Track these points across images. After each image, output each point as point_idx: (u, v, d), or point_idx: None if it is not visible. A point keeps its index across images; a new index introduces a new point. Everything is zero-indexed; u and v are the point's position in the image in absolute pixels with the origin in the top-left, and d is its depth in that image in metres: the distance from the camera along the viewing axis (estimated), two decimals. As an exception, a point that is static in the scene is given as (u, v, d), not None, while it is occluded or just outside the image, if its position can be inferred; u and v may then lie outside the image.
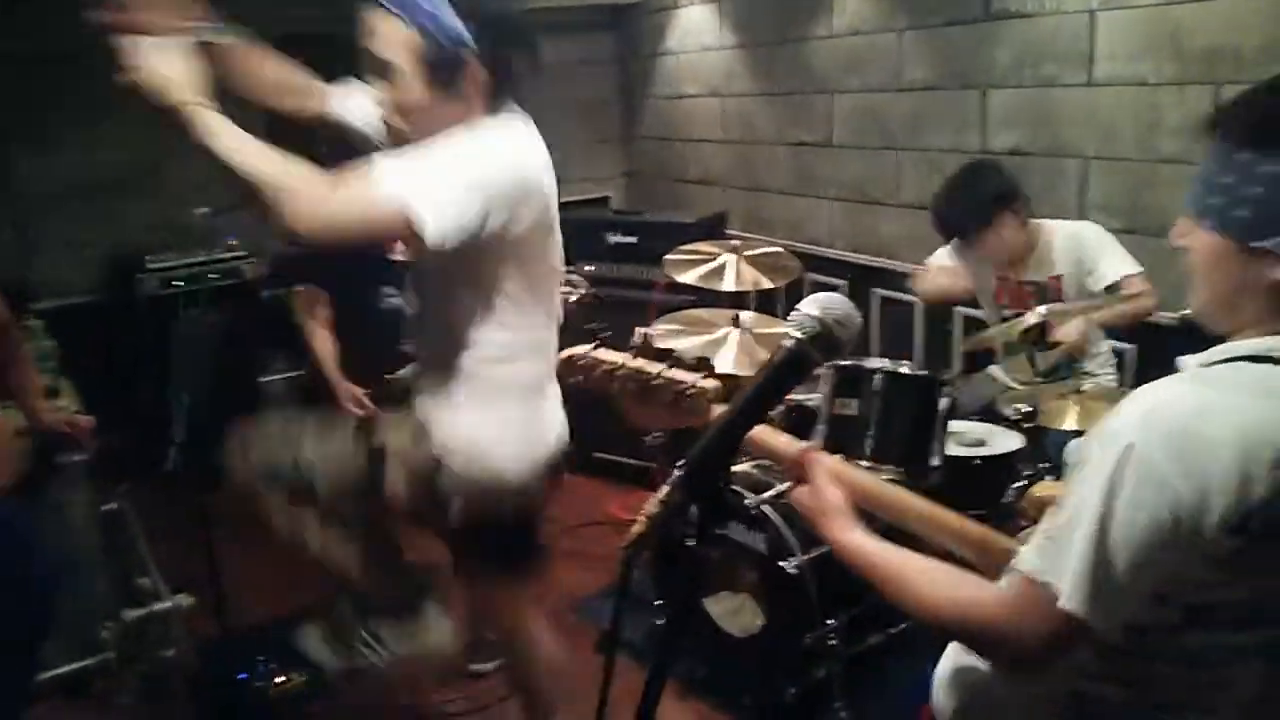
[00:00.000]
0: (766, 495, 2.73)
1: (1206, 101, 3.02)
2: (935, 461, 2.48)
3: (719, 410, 1.30)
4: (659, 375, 1.31)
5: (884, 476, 2.71)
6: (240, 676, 3.04)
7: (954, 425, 2.67)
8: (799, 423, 3.06)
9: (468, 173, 1.73)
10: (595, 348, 1.36)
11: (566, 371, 1.37)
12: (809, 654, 2.64)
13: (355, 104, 2.16)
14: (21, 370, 2.54)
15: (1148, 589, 1.02)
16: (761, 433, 1.35)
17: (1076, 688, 1.13)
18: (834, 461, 1.34)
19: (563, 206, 5.82)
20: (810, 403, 2.83)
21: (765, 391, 1.19)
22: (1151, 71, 3.19)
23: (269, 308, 4.55)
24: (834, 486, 1.30)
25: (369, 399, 3.13)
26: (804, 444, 1.37)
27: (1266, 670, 1.09)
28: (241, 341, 4.45)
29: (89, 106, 4.64)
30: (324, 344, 3.24)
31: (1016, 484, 2.67)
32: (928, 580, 1.17)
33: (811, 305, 1.17)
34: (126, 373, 4.35)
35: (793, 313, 1.18)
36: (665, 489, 1.18)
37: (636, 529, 1.21)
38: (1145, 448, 0.99)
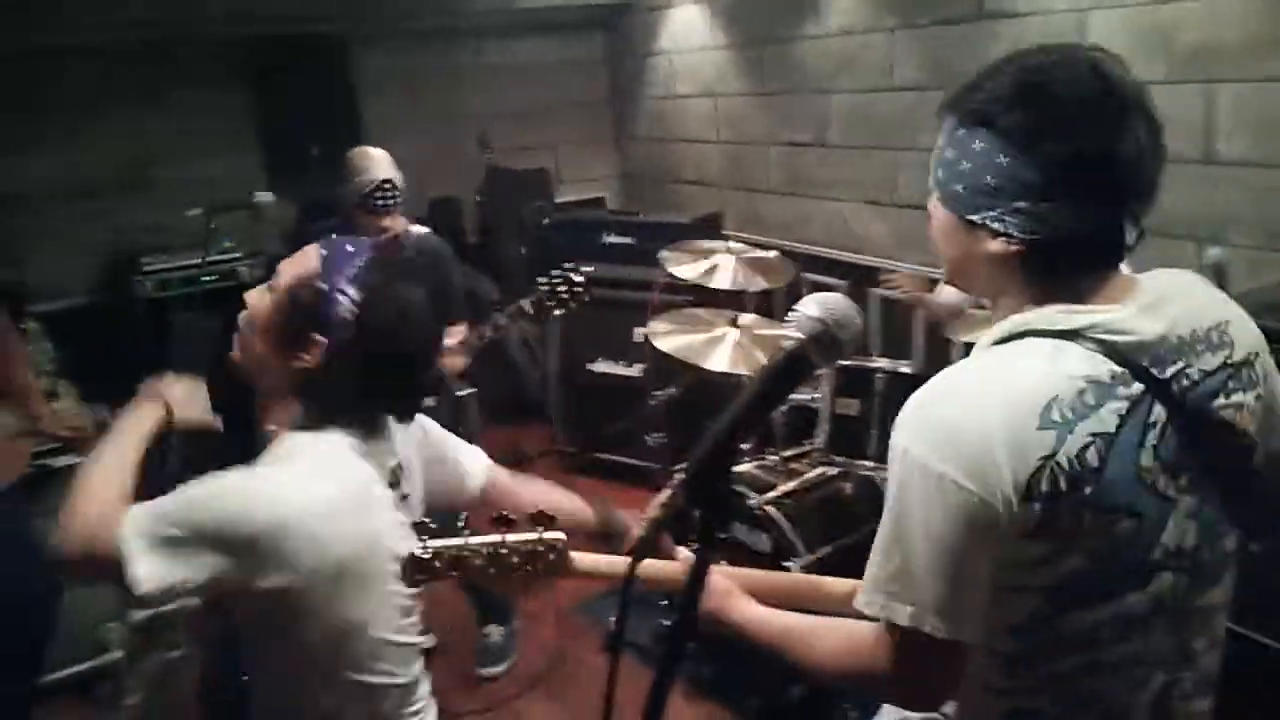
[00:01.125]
0: (770, 495, 2.75)
1: (1197, 99, 3.04)
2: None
3: (579, 560, 1.33)
4: (503, 544, 1.31)
5: (885, 475, 2.75)
6: (244, 676, 3.04)
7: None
8: (800, 423, 3.08)
9: (199, 516, 1.36)
10: (426, 540, 1.33)
11: (415, 574, 1.34)
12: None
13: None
14: (21, 373, 2.55)
15: (984, 583, 1.02)
16: (646, 567, 1.29)
17: (1011, 706, 1.12)
18: (715, 568, 1.30)
19: (557, 207, 5.83)
20: (812, 403, 2.84)
21: (765, 393, 1.17)
22: (1142, 70, 3.19)
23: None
24: (718, 576, 1.29)
25: None
26: (677, 561, 1.37)
27: (1166, 632, 1.09)
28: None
29: (83, 107, 4.65)
30: None
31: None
32: (811, 640, 1.19)
33: (811, 305, 1.15)
34: (123, 375, 4.34)
35: (791, 312, 1.16)
36: (667, 493, 1.19)
37: (638, 533, 1.22)
38: (917, 447, 1.02)
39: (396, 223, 3.12)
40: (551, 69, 6.06)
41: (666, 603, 3.02)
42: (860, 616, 1.11)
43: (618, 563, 1.37)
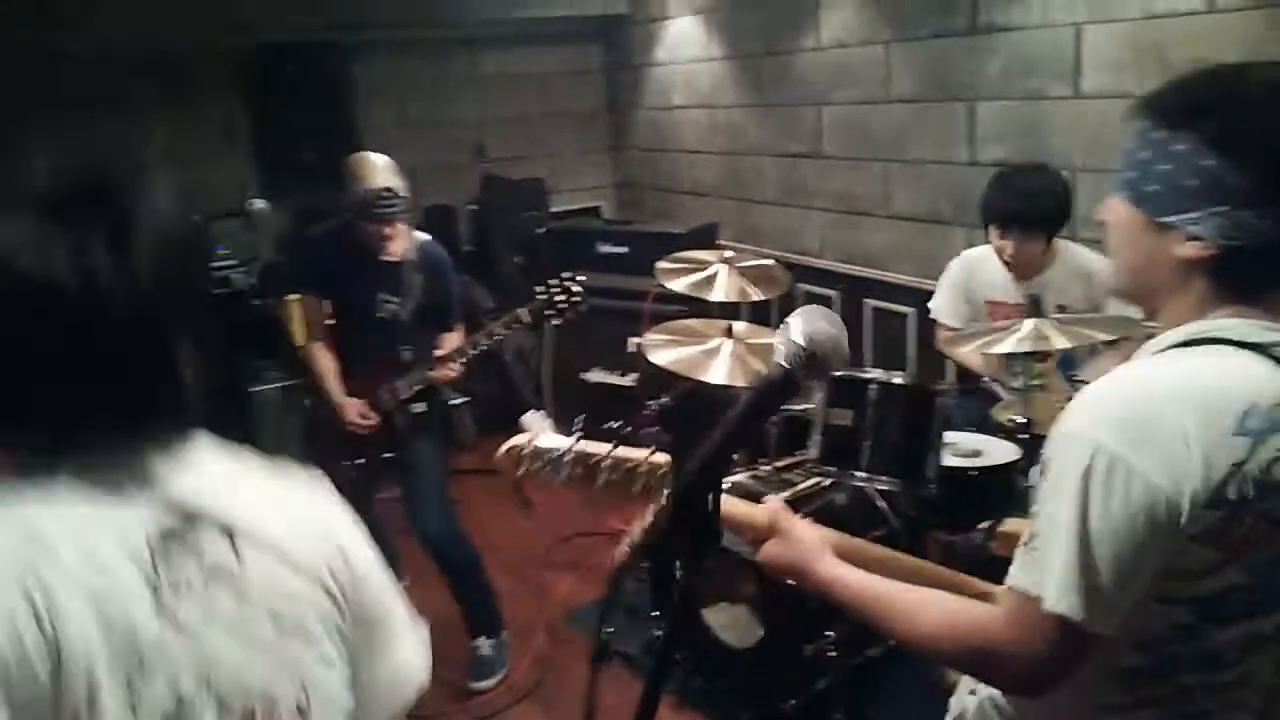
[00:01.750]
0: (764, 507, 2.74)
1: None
2: (931, 472, 2.49)
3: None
4: (607, 456, 1.31)
5: (880, 487, 2.74)
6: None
7: (949, 436, 2.68)
8: (793, 433, 3.07)
9: None
10: (532, 439, 1.34)
11: (508, 464, 1.35)
12: (808, 665, 2.64)
13: None
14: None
15: (1144, 586, 1.02)
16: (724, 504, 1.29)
17: None
18: (807, 526, 1.32)
19: (553, 216, 5.85)
20: (805, 413, 2.84)
21: (750, 416, 1.17)
22: (1136, 84, 3.22)
23: (259, 317, 4.55)
24: (804, 526, 1.29)
25: (370, 409, 3.12)
26: (762, 505, 1.35)
27: (1277, 661, 1.09)
28: (232, 351, 4.45)
29: (75, 112, 4.64)
30: (324, 359, 3.19)
31: (984, 523, 2.63)
32: (921, 608, 1.16)
33: (798, 332, 1.12)
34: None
35: (779, 333, 1.14)
36: (651, 515, 1.17)
37: (621, 555, 1.21)
38: (1105, 441, 1.00)
39: (398, 231, 3.11)
40: (548, 79, 6.08)
41: (657, 613, 3.01)
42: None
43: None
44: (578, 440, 1.34)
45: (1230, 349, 1.04)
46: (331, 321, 3.23)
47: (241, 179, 4.91)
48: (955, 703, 1.32)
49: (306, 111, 5.00)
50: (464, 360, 3.13)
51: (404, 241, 3.16)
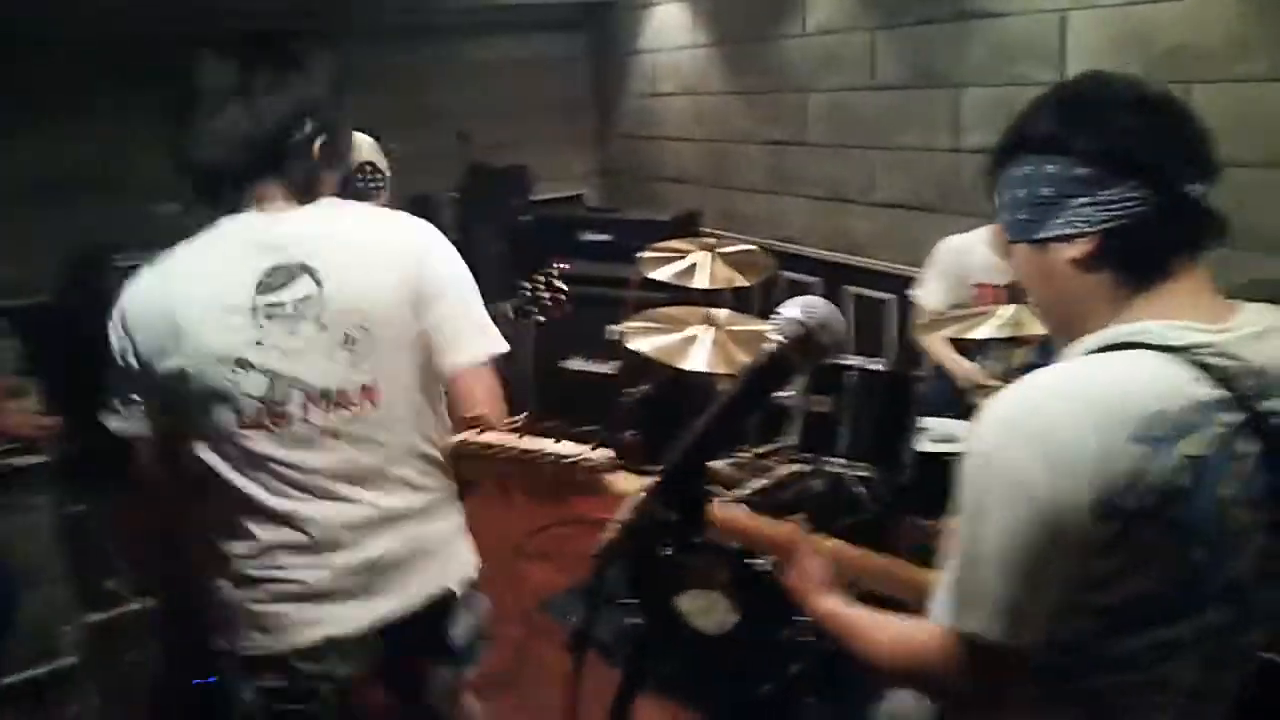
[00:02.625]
0: (741, 492, 2.73)
1: (1174, 101, 3.04)
2: (907, 459, 2.48)
3: (616, 480, 1.33)
4: (544, 453, 1.32)
5: (856, 473, 2.74)
6: (210, 680, 3.00)
7: (925, 421, 2.67)
8: (772, 419, 3.06)
9: None
10: (480, 433, 1.36)
11: (457, 458, 1.38)
12: (782, 651, 2.64)
13: None
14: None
15: (1052, 595, 1.00)
16: (744, 518, 1.38)
17: None
18: (815, 540, 1.38)
19: (537, 204, 5.81)
20: (784, 400, 2.83)
21: (746, 396, 1.17)
22: (1121, 69, 3.20)
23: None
24: (816, 561, 1.34)
25: None
26: (787, 526, 1.40)
27: (1199, 662, 1.07)
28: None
29: (52, 99, 4.58)
30: None
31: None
32: (878, 632, 1.19)
33: (794, 309, 1.15)
34: (91, 374, 4.29)
35: (774, 315, 1.16)
36: (641, 496, 1.16)
37: (610, 536, 1.19)
38: (1002, 453, 1.00)
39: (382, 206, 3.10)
40: (532, 66, 6.03)
41: (631, 601, 3.00)
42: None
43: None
44: (520, 436, 1.34)
45: (1148, 353, 1.02)
46: None
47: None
48: (891, 693, 1.36)
49: (278, 92, 4.91)
50: None
51: None
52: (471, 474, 1.39)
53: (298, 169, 1.56)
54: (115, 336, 1.55)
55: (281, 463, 1.52)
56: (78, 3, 4.22)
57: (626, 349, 3.18)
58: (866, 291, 4.37)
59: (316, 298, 1.50)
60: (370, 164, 3.00)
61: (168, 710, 2.71)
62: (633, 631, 2.97)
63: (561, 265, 3.13)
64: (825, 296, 1.20)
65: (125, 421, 1.58)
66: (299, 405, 1.51)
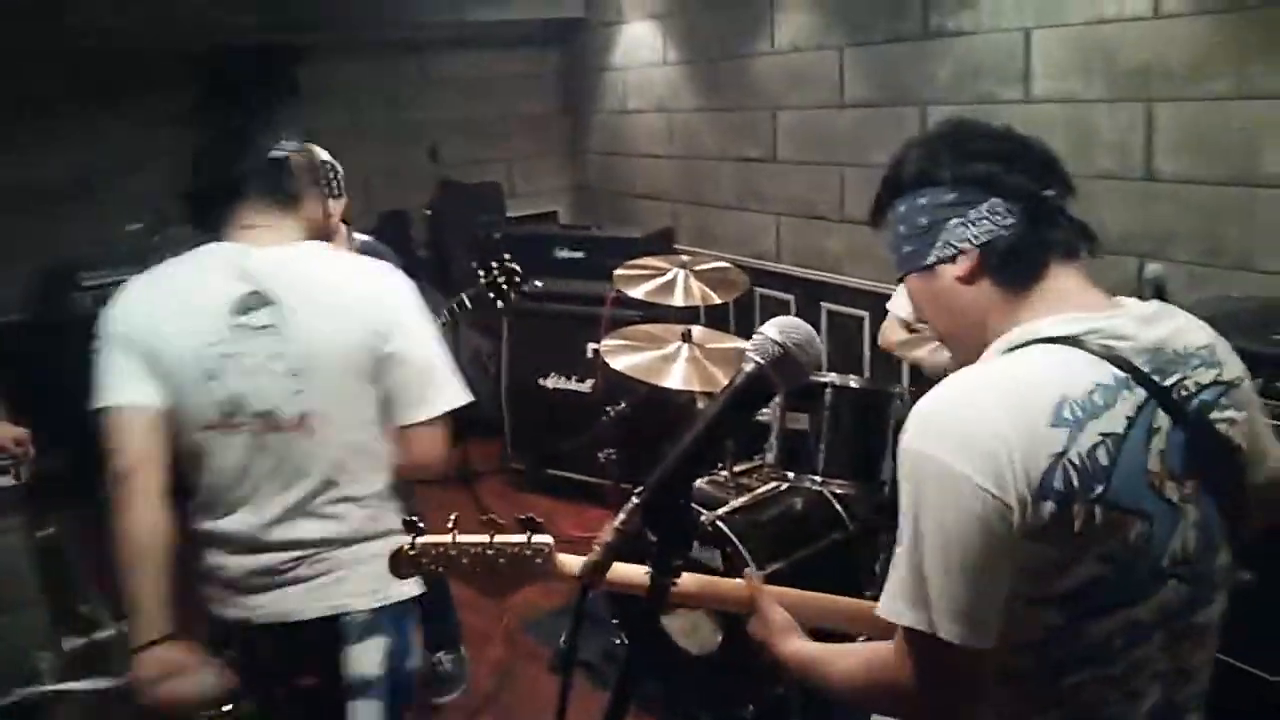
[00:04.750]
0: (721, 511, 2.74)
1: (1137, 117, 3.10)
2: (885, 475, 2.50)
3: (567, 562, 1.34)
4: (490, 545, 1.33)
5: (835, 490, 2.75)
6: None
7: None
8: (750, 438, 3.07)
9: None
10: (415, 538, 1.36)
11: (400, 566, 1.38)
12: (766, 671, 2.63)
13: None
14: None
15: (1001, 591, 1.02)
16: (693, 586, 1.37)
17: None
18: (773, 589, 1.40)
19: (510, 221, 5.81)
20: (762, 418, 2.84)
21: (725, 417, 1.18)
22: (1085, 87, 3.27)
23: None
24: (777, 610, 1.35)
25: None
26: (741, 581, 1.41)
27: (1166, 644, 1.10)
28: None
29: (23, 115, 4.53)
30: None
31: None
32: (832, 664, 1.23)
33: (772, 329, 1.16)
34: (61, 394, 4.22)
35: (754, 336, 1.17)
36: (622, 516, 1.16)
37: (592, 558, 1.20)
38: (930, 451, 1.03)
39: (340, 210, 3.12)
40: (505, 82, 6.04)
41: (617, 621, 2.99)
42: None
43: None
44: (455, 535, 1.35)
45: (1050, 345, 1.08)
46: None
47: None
48: None
49: (250, 115, 4.91)
50: None
51: (343, 242, 3.15)
52: (429, 576, 1.40)
53: (281, 187, 1.73)
54: (111, 328, 1.70)
55: (227, 464, 1.71)
56: (51, 19, 4.17)
57: (606, 366, 3.18)
58: (841, 308, 4.40)
59: (279, 328, 1.66)
60: (328, 163, 3.02)
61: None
62: (618, 652, 2.97)
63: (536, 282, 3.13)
64: (799, 313, 1.22)
65: (119, 394, 1.69)
66: (247, 417, 1.68)
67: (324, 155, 3.00)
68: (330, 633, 1.76)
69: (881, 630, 1.14)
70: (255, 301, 1.66)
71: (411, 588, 1.77)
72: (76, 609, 2.79)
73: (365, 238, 3.22)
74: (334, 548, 1.76)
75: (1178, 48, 2.97)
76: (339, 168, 3.02)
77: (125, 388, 1.68)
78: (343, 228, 3.11)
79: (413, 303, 1.77)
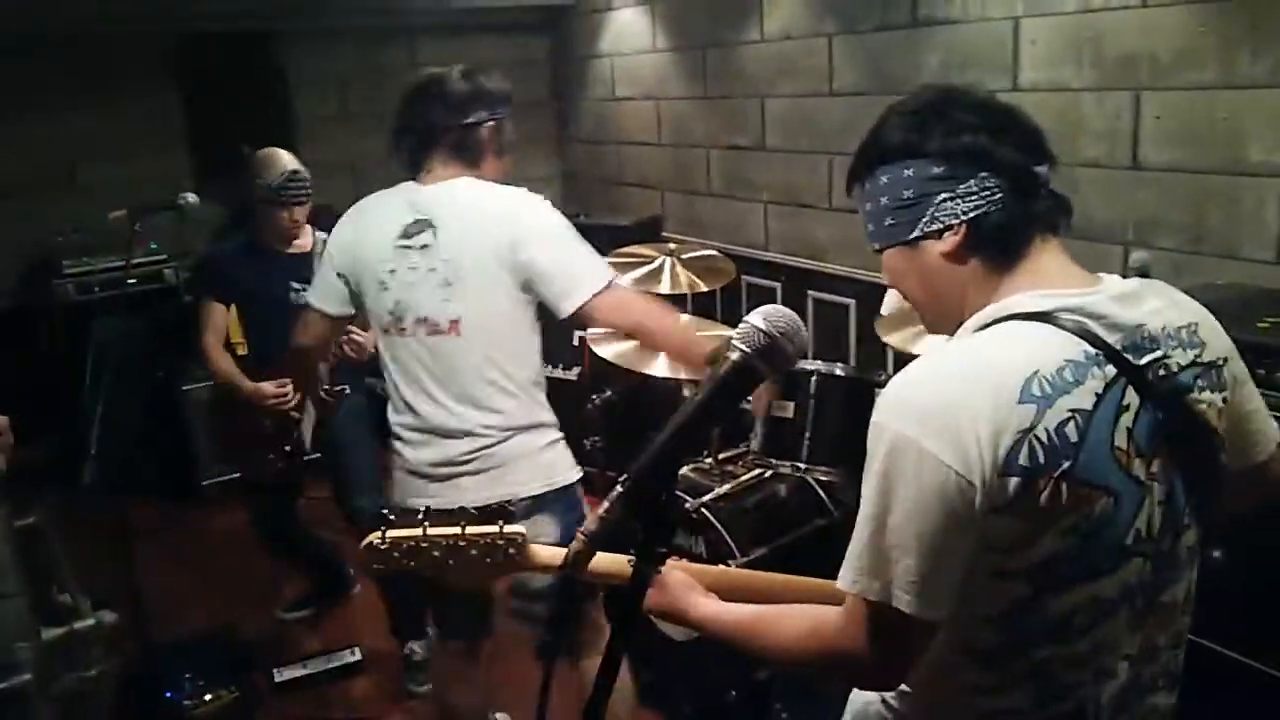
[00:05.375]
0: (705, 498, 2.74)
1: (1125, 106, 3.10)
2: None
3: (538, 552, 1.33)
4: (461, 536, 1.32)
5: (819, 477, 2.75)
6: (167, 695, 2.95)
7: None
8: (735, 425, 3.07)
9: None
10: (385, 530, 1.34)
11: (371, 559, 1.35)
12: (749, 657, 2.64)
13: None
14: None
15: (959, 566, 1.03)
16: (594, 561, 1.25)
17: (989, 707, 1.13)
18: (691, 567, 1.36)
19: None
20: (746, 405, 2.83)
21: (710, 405, 1.18)
22: (1074, 76, 3.27)
23: (193, 313, 4.44)
24: (675, 574, 1.32)
25: (283, 379, 3.08)
26: (624, 557, 1.30)
27: (1131, 622, 1.11)
28: (164, 348, 4.33)
29: (2, 103, 4.48)
30: (221, 359, 3.20)
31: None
32: (777, 625, 1.20)
33: (758, 318, 1.17)
34: (42, 382, 4.20)
35: (740, 325, 1.17)
36: (606, 504, 1.16)
37: (576, 546, 1.19)
38: (897, 426, 1.03)
39: (303, 223, 3.15)
40: (493, 69, 6.00)
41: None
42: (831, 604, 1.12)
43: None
44: (426, 528, 1.33)
45: (1023, 322, 1.08)
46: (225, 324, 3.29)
47: (175, 171, 4.79)
48: (851, 701, 1.33)
49: (240, 102, 4.89)
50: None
51: (308, 236, 3.23)
52: (400, 569, 1.38)
53: (470, 147, 2.16)
54: (328, 251, 2.27)
55: (402, 364, 2.16)
56: (33, 5, 4.13)
57: (592, 354, 3.17)
58: (827, 296, 4.39)
59: (433, 246, 2.08)
60: (297, 171, 3.11)
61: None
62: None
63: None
64: (786, 301, 1.21)
65: (310, 296, 2.30)
66: (411, 323, 2.12)
67: (288, 165, 3.07)
68: (500, 515, 1.80)
69: (820, 597, 1.14)
70: (417, 228, 2.10)
71: (571, 473, 2.26)
72: (56, 599, 2.77)
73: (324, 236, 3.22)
74: (496, 437, 2.13)
75: (1166, 37, 2.97)
76: (301, 172, 3.13)
77: (314, 293, 2.28)
78: (306, 225, 3.18)
79: (542, 216, 2.14)
